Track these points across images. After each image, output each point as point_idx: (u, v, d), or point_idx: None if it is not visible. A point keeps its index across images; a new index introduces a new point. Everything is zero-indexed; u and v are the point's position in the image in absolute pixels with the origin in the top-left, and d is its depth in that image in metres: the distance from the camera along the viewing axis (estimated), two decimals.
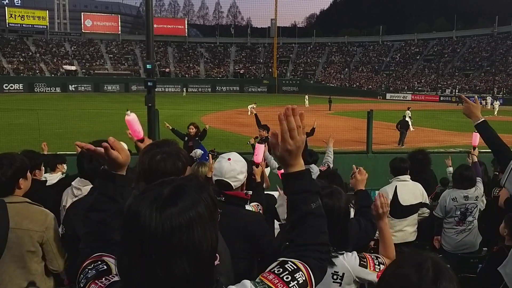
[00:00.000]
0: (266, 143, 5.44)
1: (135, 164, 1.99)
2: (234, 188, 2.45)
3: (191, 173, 2.06)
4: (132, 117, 1.96)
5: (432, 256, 1.29)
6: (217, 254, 1.28)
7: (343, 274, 2.16)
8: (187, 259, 0.99)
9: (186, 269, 0.99)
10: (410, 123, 23.40)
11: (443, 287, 1.20)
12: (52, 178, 4.81)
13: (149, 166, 1.87)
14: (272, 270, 1.26)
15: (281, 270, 1.25)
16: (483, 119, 3.05)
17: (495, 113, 36.85)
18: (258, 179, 3.48)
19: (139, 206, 1.01)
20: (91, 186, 3.63)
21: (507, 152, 2.96)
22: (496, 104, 39.53)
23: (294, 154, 1.38)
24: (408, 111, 24.08)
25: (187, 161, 2.02)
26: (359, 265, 2.17)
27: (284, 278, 1.23)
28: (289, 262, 1.28)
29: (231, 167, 2.43)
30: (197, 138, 10.15)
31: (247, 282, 1.23)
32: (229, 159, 2.50)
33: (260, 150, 3.57)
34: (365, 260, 2.20)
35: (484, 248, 5.01)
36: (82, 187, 3.63)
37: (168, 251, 0.98)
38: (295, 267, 1.26)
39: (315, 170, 5.35)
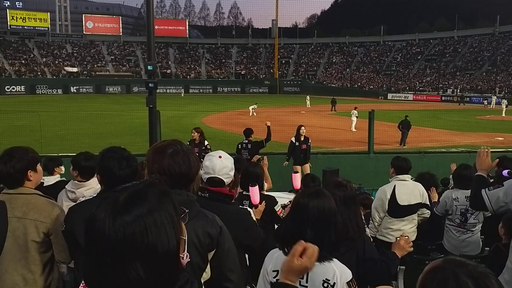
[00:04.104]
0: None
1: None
2: (226, 184, 2.49)
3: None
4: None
5: (469, 269, 1.24)
6: (187, 253, 1.29)
7: (334, 283, 2.07)
8: (141, 264, 1.01)
9: (141, 274, 1.01)
10: (354, 123, 23.61)
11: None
12: (50, 180, 4.79)
13: (186, 167, 1.99)
14: None
15: None
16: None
17: (503, 113, 36.47)
18: (258, 217, 3.43)
19: (96, 213, 1.04)
20: (88, 187, 3.74)
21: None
22: (504, 103, 38.72)
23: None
24: (355, 111, 24.22)
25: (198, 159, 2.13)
26: (347, 283, 2.09)
27: None
28: None
29: (223, 164, 2.47)
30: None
31: None
32: (219, 156, 2.53)
33: (255, 193, 3.53)
34: (354, 285, 2.11)
35: (486, 248, 4.99)
36: (76, 190, 3.77)
37: (122, 257, 1.00)
38: None
39: None
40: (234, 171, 2.55)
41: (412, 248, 2.85)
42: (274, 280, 2.16)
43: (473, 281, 1.15)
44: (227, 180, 2.49)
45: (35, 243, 2.71)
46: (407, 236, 2.99)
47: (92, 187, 3.73)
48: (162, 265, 1.05)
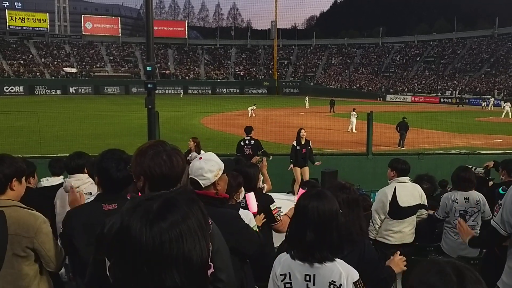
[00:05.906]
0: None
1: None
2: (203, 186, 2.43)
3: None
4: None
5: (452, 261, 1.29)
6: (210, 263, 1.26)
7: (340, 285, 2.06)
8: (177, 271, 1.02)
9: (177, 281, 1.02)
10: (354, 124, 23.76)
11: None
12: (54, 180, 4.87)
13: (167, 168, 1.97)
14: None
15: None
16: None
17: (504, 115, 36.14)
18: (259, 224, 3.40)
19: (129, 221, 1.04)
20: (75, 178, 4.09)
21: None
22: (507, 105, 37.78)
23: None
24: (354, 112, 24.43)
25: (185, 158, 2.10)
26: (353, 283, 2.08)
27: None
28: None
29: (200, 166, 2.42)
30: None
31: None
32: (200, 158, 2.49)
33: (251, 199, 3.44)
34: (362, 285, 2.09)
35: (484, 250, 4.99)
36: (66, 179, 4.17)
37: (159, 264, 1.01)
38: None
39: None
40: (214, 173, 2.44)
41: (405, 267, 2.80)
42: (282, 284, 2.16)
43: (454, 271, 1.23)
44: (203, 182, 2.41)
45: (20, 258, 2.60)
46: (403, 256, 2.94)
47: (80, 179, 4.14)
48: (196, 273, 1.06)
